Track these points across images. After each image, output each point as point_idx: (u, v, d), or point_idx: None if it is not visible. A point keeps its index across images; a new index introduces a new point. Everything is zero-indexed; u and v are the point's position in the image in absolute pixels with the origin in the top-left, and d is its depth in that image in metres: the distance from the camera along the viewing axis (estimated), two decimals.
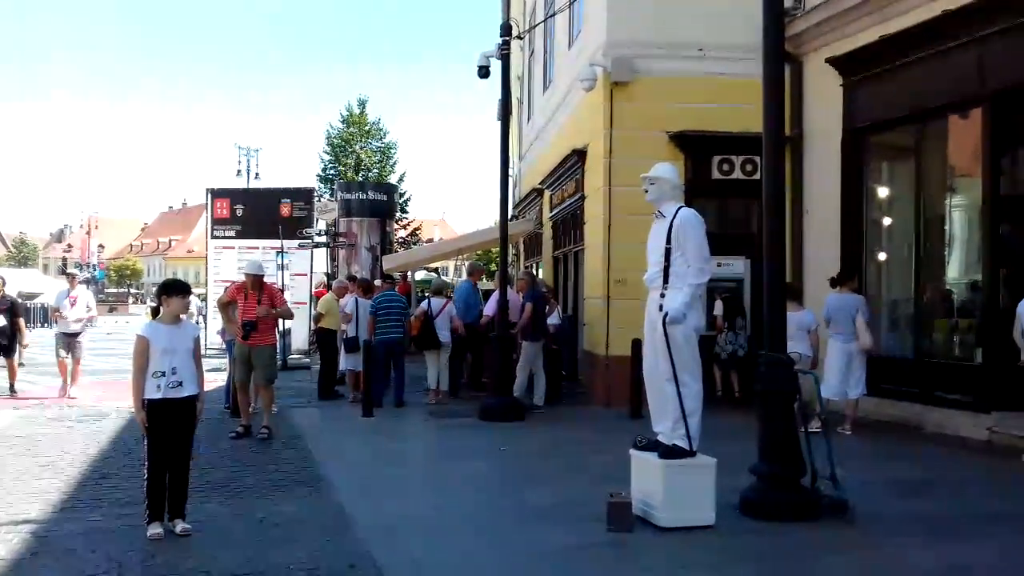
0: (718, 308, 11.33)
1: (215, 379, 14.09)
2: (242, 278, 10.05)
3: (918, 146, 10.48)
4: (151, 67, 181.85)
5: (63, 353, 12.74)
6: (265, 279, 10.05)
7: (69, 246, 79.10)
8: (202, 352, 5.84)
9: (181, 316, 5.68)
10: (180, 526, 5.47)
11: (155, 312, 5.71)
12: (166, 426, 5.43)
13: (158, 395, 5.38)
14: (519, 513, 6.16)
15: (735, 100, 11.02)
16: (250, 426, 9.45)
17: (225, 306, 9.77)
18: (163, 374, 5.39)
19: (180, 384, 5.45)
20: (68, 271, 13.84)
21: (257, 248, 18.83)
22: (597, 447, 8.71)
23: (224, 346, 12.54)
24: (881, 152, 11.30)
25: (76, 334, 12.73)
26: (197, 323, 24.96)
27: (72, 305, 12.77)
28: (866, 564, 5.08)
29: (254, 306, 9.48)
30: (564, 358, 13.07)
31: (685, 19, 11.64)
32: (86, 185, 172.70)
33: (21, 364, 13.52)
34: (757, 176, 11.49)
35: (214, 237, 20.05)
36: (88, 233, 69.73)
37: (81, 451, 8.44)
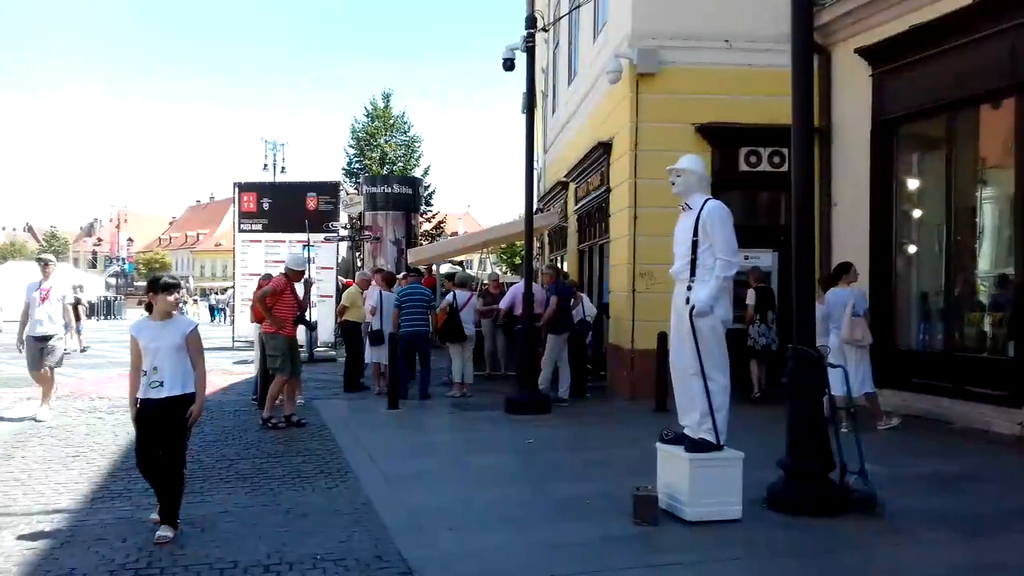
0: (750, 298, 11.20)
1: (244, 371, 14.25)
2: (268, 270, 10.18)
3: (949, 137, 10.32)
4: (179, 63, 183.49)
5: (35, 366, 9.83)
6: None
7: (99, 240, 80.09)
8: (203, 348, 5.49)
9: (172, 312, 5.37)
10: (160, 533, 5.17)
11: (149, 308, 5.38)
12: (149, 427, 5.17)
13: (141, 395, 5.20)
14: (545, 506, 6.15)
15: (762, 91, 10.92)
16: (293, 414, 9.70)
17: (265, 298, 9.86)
18: (146, 372, 5.20)
19: (160, 384, 5.15)
20: (41, 256, 10.63)
21: (284, 241, 18.98)
22: (623, 440, 8.69)
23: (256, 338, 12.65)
24: (911, 143, 11.15)
25: (47, 338, 9.84)
26: (220, 316, 25.07)
27: (43, 300, 9.80)
28: (896, 560, 5.01)
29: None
30: (593, 350, 13.07)
31: (711, 10, 11.55)
32: (116, 179, 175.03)
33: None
34: (785, 168, 11.41)
35: (241, 231, 20.23)
36: (117, 227, 70.64)
37: (111, 442, 8.55)
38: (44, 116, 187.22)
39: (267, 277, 11.56)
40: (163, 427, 5.18)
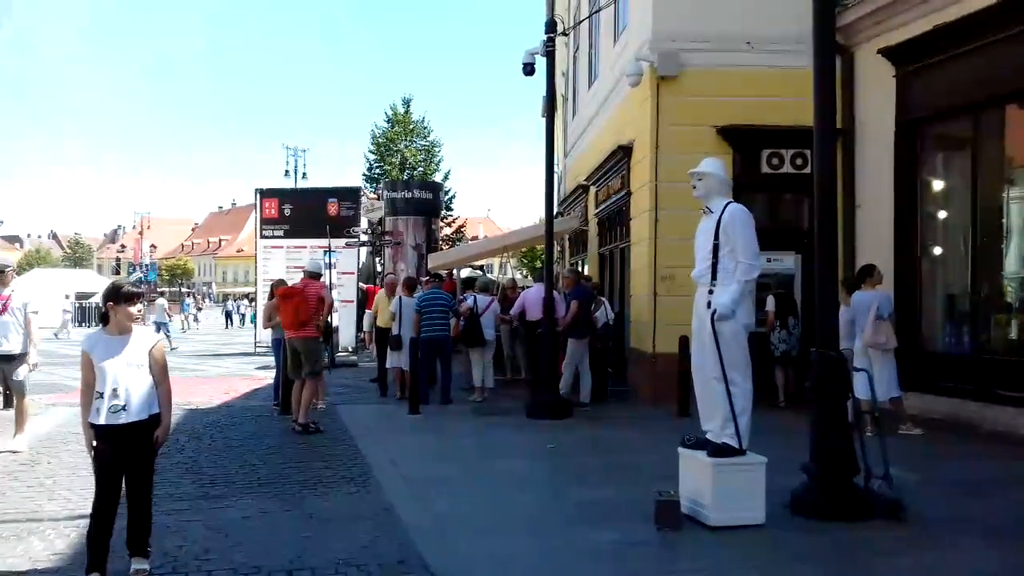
0: (770, 304, 11.13)
1: (266, 377, 14.32)
2: (289, 276, 10.26)
3: (974, 137, 10.20)
4: (200, 69, 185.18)
5: None
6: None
7: (123, 246, 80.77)
8: (167, 363, 4.79)
9: (131, 326, 4.63)
10: (135, 566, 4.63)
11: (104, 319, 4.66)
12: (112, 456, 4.50)
13: (98, 420, 4.47)
14: (567, 511, 6.13)
15: (784, 93, 10.86)
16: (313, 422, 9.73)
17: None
18: (101, 395, 4.46)
19: (123, 408, 4.45)
20: None
21: (305, 247, 19.08)
22: (644, 445, 8.66)
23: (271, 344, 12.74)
24: (936, 144, 11.03)
25: (11, 357, 8.27)
26: (235, 320, 25.42)
27: (2, 311, 8.21)
28: (922, 565, 4.95)
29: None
30: (614, 354, 13.04)
31: (732, 11, 11.50)
32: (139, 187, 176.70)
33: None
34: (807, 170, 11.31)
35: (263, 237, 20.38)
36: (140, 234, 71.17)
37: None
38: (67, 124, 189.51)
39: (280, 283, 11.57)
40: (128, 456, 4.54)
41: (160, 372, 4.67)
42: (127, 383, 4.49)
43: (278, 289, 10.74)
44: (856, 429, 5.98)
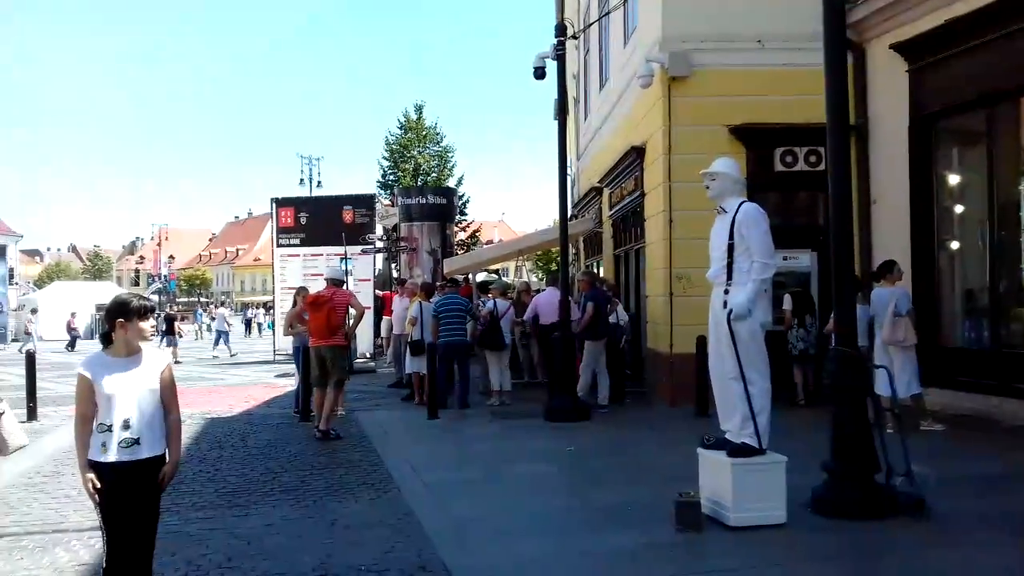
0: (787, 303, 11.09)
1: (286, 385, 14.40)
2: (307, 283, 10.33)
3: (989, 131, 10.15)
4: (215, 81, 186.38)
5: None
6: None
7: (141, 258, 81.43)
8: (176, 386, 4.19)
9: (140, 346, 4.03)
10: None
11: (106, 339, 4.03)
12: (123, 500, 3.87)
13: (106, 457, 3.83)
14: (587, 514, 6.14)
15: (796, 91, 10.82)
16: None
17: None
18: (109, 428, 3.85)
19: (136, 442, 3.87)
20: None
21: (321, 255, 19.18)
22: (663, 446, 8.65)
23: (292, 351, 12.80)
24: (950, 138, 10.97)
25: None
26: (221, 336, 26.12)
27: None
28: (943, 563, 4.92)
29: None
30: (631, 355, 13.03)
31: (742, 11, 11.47)
32: (156, 198, 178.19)
33: None
34: (822, 167, 11.26)
35: (280, 245, 20.50)
36: (159, 245, 71.65)
37: None
38: (85, 139, 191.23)
39: (304, 290, 11.69)
40: (140, 496, 3.94)
41: (171, 398, 4.08)
42: (141, 412, 3.90)
43: (308, 297, 10.76)
44: (876, 427, 5.95)
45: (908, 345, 8.93)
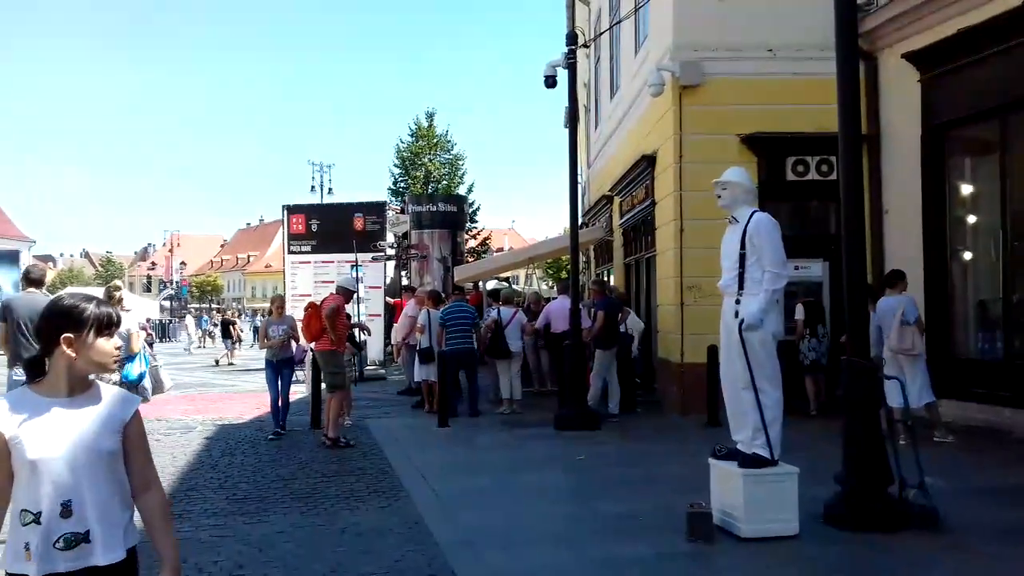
0: (799, 312, 11.06)
1: (295, 391, 14.42)
2: (317, 290, 10.36)
3: (1002, 141, 10.10)
4: (226, 87, 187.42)
5: None
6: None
7: (153, 264, 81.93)
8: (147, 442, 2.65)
9: (96, 375, 2.54)
10: None
11: (34, 366, 2.46)
12: None
13: (31, 569, 2.30)
14: (597, 523, 6.13)
15: (808, 100, 10.82)
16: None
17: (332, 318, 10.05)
18: (37, 517, 2.30)
19: (83, 539, 2.34)
20: None
21: (332, 262, 19.22)
22: (674, 456, 8.62)
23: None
24: (963, 148, 10.93)
25: None
26: (233, 348, 26.73)
27: None
28: (959, 575, 4.89)
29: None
30: (641, 364, 13.01)
31: (753, 20, 11.47)
32: (168, 204, 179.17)
33: None
34: (833, 176, 11.21)
35: (291, 252, 20.54)
36: (171, 251, 72.19)
37: (169, 463, 8.72)
38: (96, 143, 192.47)
39: (276, 299, 11.60)
40: None
41: (144, 465, 2.55)
42: (90, 489, 2.36)
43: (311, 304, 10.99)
44: (889, 438, 5.92)
45: (916, 354, 8.86)
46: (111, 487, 2.42)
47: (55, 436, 2.34)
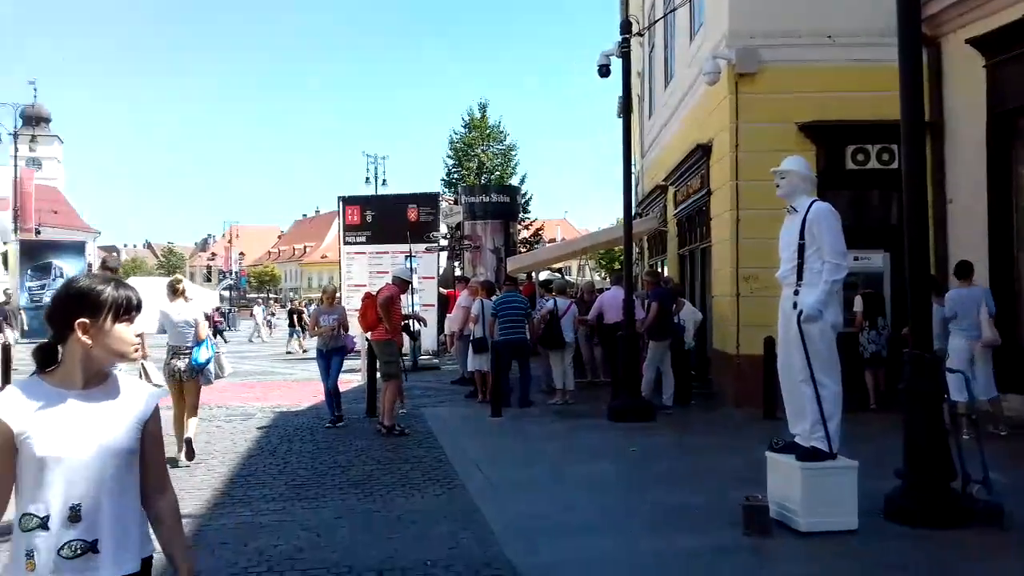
0: (858, 304, 10.85)
1: (351, 380, 14.60)
2: (372, 281, 10.46)
3: None
4: (283, 83, 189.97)
5: None
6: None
7: (213, 255, 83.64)
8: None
9: (109, 371, 2.30)
10: None
11: (46, 355, 2.23)
12: None
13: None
14: (651, 515, 6.11)
15: (868, 87, 10.58)
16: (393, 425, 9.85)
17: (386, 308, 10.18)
18: (44, 522, 2.10)
19: (91, 548, 2.13)
20: None
21: (387, 253, 19.40)
22: (729, 448, 8.54)
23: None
24: None
25: None
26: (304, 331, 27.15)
27: None
28: (1021, 574, 4.77)
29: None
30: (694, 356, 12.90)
31: (811, 5, 11.25)
32: (227, 196, 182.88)
33: None
34: (895, 165, 11.00)
35: (346, 243, 20.77)
36: (230, 242, 73.50)
37: (230, 449, 8.92)
38: (159, 137, 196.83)
39: (327, 289, 11.85)
40: None
41: (159, 462, 2.38)
42: (102, 493, 2.15)
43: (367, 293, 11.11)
44: (952, 432, 5.80)
45: (996, 346, 8.70)
46: (126, 490, 2.21)
47: (68, 432, 2.13)
